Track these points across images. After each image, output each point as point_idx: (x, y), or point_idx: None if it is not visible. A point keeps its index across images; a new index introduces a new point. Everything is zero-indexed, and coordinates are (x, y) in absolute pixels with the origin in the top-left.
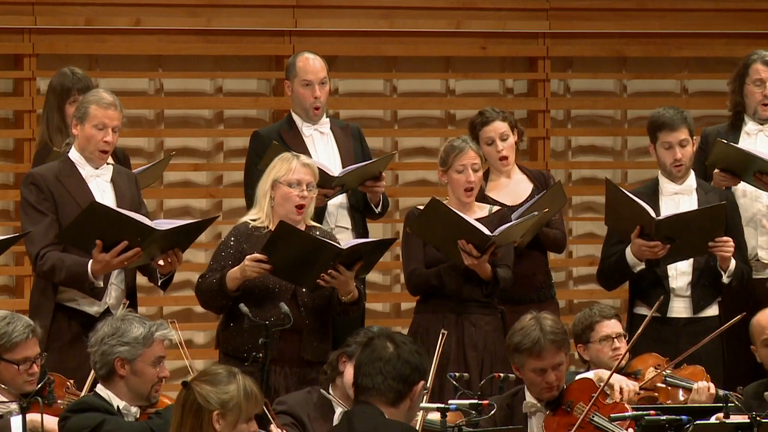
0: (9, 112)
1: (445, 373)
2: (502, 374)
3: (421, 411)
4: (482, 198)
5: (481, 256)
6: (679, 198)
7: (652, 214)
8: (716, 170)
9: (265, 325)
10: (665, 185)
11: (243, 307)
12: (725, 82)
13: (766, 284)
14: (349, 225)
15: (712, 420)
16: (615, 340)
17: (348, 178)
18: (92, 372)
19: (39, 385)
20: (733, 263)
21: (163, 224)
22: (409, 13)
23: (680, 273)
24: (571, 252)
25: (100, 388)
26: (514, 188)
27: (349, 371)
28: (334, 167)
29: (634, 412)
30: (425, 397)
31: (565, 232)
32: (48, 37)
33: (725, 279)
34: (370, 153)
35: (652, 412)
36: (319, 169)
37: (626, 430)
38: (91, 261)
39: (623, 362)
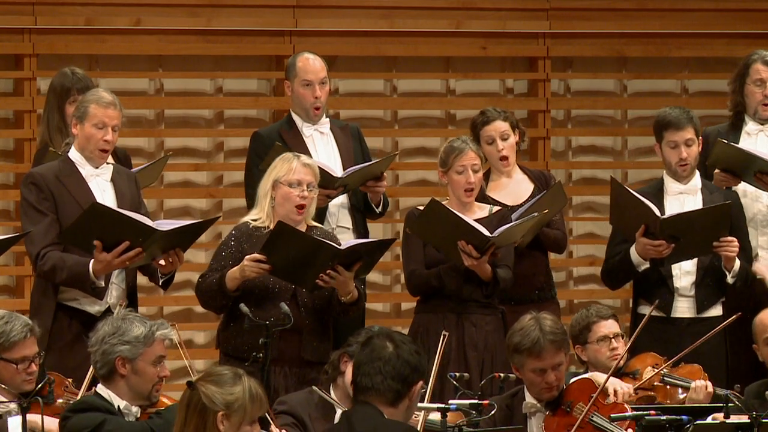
0: (9, 112)
1: (445, 373)
2: (502, 374)
3: (423, 411)
4: (483, 198)
5: (480, 257)
6: (684, 198)
7: (657, 213)
8: (716, 170)
9: (265, 325)
10: (670, 185)
11: (243, 307)
12: (725, 82)
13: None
14: (350, 225)
15: (709, 420)
16: (612, 340)
17: (350, 179)
18: (90, 370)
19: (39, 385)
20: (737, 263)
21: (165, 225)
22: (409, 13)
23: (684, 272)
24: (571, 252)
25: (100, 388)
26: (515, 188)
27: (350, 371)
28: (334, 167)
29: (634, 413)
30: (426, 398)
31: (565, 232)
32: (48, 37)
33: (729, 279)
34: (369, 153)
35: (653, 412)
36: (322, 170)
37: (626, 430)
38: (92, 261)
39: (622, 362)
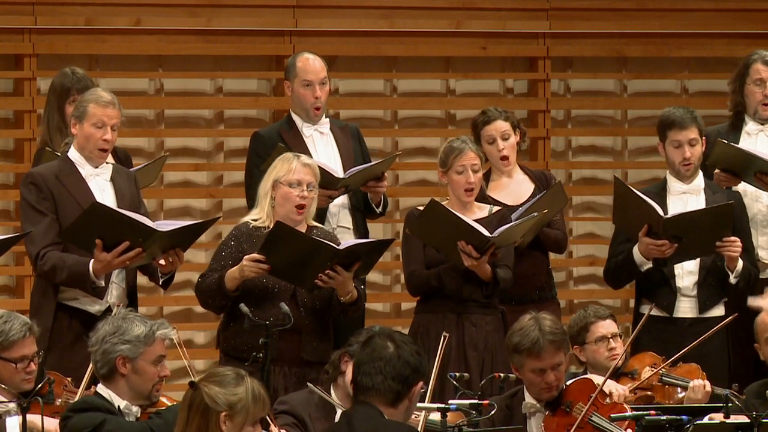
0: (9, 112)
1: (445, 373)
2: (502, 374)
3: (423, 411)
4: (483, 198)
5: (480, 257)
6: (687, 197)
7: (661, 212)
8: (717, 170)
9: (265, 325)
10: (673, 184)
11: (243, 307)
12: (725, 82)
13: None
14: (350, 225)
15: (705, 420)
16: (610, 340)
17: (352, 180)
18: (89, 369)
19: (39, 385)
20: (740, 263)
21: (165, 225)
22: (409, 13)
23: (686, 272)
24: (571, 252)
25: (101, 388)
26: (516, 188)
27: (351, 370)
28: (334, 167)
29: (634, 413)
30: (426, 398)
31: (566, 232)
32: (48, 37)
33: (732, 279)
34: (368, 153)
35: (653, 412)
36: (324, 170)
37: (625, 430)
38: (92, 261)
39: (621, 362)
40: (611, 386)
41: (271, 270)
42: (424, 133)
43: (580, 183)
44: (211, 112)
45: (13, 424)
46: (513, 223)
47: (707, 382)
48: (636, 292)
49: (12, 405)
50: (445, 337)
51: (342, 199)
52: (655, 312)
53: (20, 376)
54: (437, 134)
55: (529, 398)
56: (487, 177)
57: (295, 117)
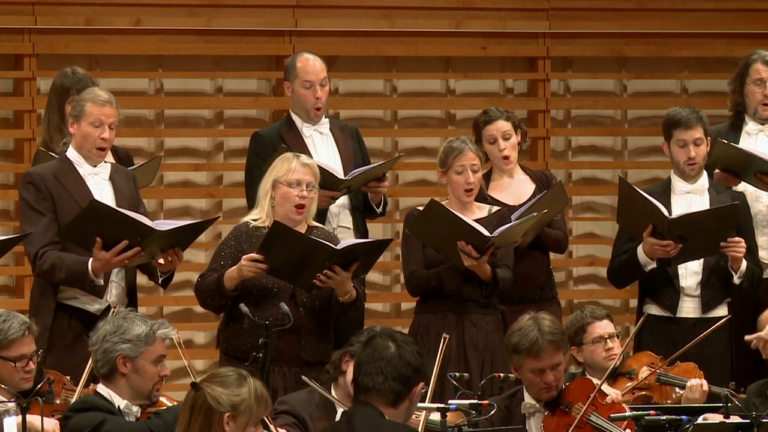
0: (9, 112)
1: (445, 373)
2: (502, 374)
3: (423, 411)
4: (483, 198)
5: (480, 257)
6: (691, 197)
7: (666, 213)
8: (717, 170)
9: (265, 325)
10: (677, 184)
11: (243, 307)
12: (725, 82)
13: None
14: (350, 225)
15: (700, 420)
16: (608, 340)
17: (354, 180)
18: (88, 367)
19: (39, 385)
20: (744, 264)
21: (164, 224)
22: (409, 13)
23: (690, 272)
24: (571, 252)
25: (101, 388)
26: (517, 188)
27: (351, 370)
28: (334, 167)
29: (634, 413)
30: (427, 398)
31: (566, 232)
32: (48, 37)
33: (736, 280)
34: (368, 153)
35: (652, 412)
36: (327, 171)
37: (624, 430)
38: (91, 259)
39: (618, 362)
40: (605, 390)
41: (270, 270)
42: (424, 133)
43: (579, 183)
44: (211, 112)
45: (10, 424)
46: (513, 223)
47: (704, 381)
48: (639, 291)
49: (11, 404)
50: (445, 338)
51: (342, 200)
52: (658, 312)
53: (19, 375)
54: (437, 134)
55: (528, 398)
56: (488, 177)
57: (294, 117)
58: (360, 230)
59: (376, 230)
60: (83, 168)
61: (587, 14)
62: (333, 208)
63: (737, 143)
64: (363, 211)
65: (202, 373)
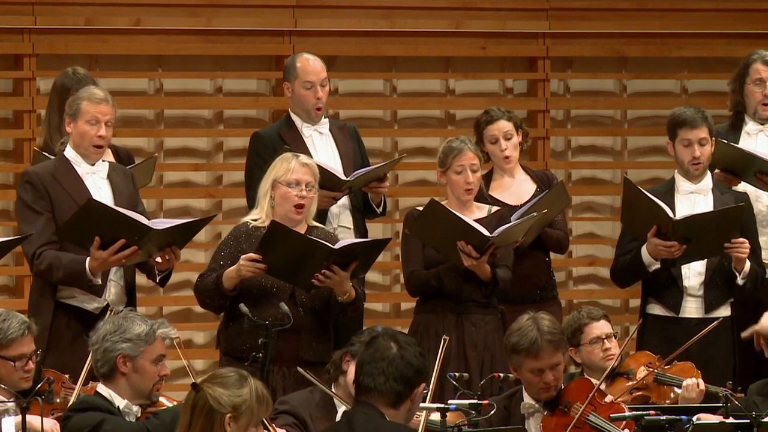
0: (9, 112)
1: (445, 373)
2: (502, 374)
3: (424, 411)
4: (482, 198)
5: (480, 257)
6: (695, 197)
7: (670, 214)
8: (717, 170)
9: (264, 325)
10: (681, 184)
11: (243, 307)
12: (725, 82)
13: None
14: (351, 225)
15: (694, 420)
16: (605, 341)
17: (356, 181)
18: (86, 365)
19: (39, 385)
20: (747, 265)
21: (161, 223)
22: (409, 13)
23: (694, 273)
24: (571, 252)
25: (101, 387)
26: (518, 188)
27: (352, 370)
28: (334, 167)
29: (634, 413)
30: (427, 399)
31: (567, 232)
32: (48, 37)
33: (740, 280)
34: (366, 153)
35: (652, 412)
36: (329, 172)
37: (623, 430)
38: (88, 259)
39: (617, 362)
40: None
41: (268, 269)
42: (424, 133)
43: (579, 183)
44: (211, 112)
45: (8, 424)
46: (512, 222)
47: (701, 381)
48: (642, 291)
49: (11, 404)
50: (445, 340)
51: (343, 200)
52: (661, 312)
53: (18, 375)
54: (437, 134)
55: (527, 398)
56: (489, 177)
57: (294, 117)
58: (360, 230)
59: (376, 230)
60: (81, 167)
61: (587, 14)
62: (333, 208)
63: (737, 143)
64: (363, 211)
65: (201, 373)
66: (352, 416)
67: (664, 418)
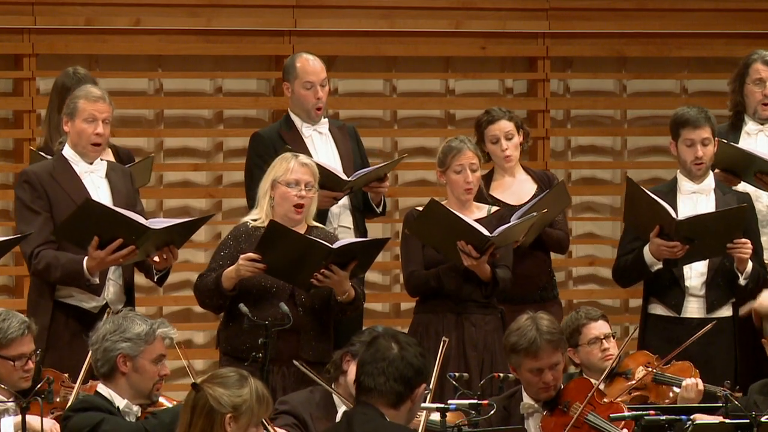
0: (9, 112)
1: (445, 373)
2: (501, 374)
3: (424, 411)
4: (484, 198)
5: (480, 257)
6: (697, 197)
7: (673, 214)
8: (717, 170)
9: (264, 325)
10: (684, 184)
11: (243, 307)
12: (725, 82)
13: None
14: (351, 225)
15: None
16: (603, 341)
17: (357, 181)
18: (85, 364)
19: (39, 385)
20: (750, 265)
21: (158, 222)
22: (409, 13)
23: (696, 273)
24: (571, 252)
25: (101, 387)
26: (518, 188)
27: (352, 370)
28: (334, 167)
29: (634, 413)
30: (428, 399)
31: (567, 232)
32: (48, 37)
33: (742, 281)
34: (366, 153)
35: (652, 412)
36: (330, 172)
37: (622, 429)
38: (86, 258)
39: (615, 362)
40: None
41: (267, 269)
42: (424, 133)
43: (579, 183)
44: (211, 112)
45: (7, 424)
46: (512, 222)
47: (699, 381)
48: (644, 291)
49: (11, 404)
50: (444, 341)
51: (343, 200)
52: (663, 312)
53: (18, 374)
54: (437, 134)
55: (527, 398)
56: (489, 177)
57: (294, 117)
58: (360, 230)
59: (376, 230)
60: (79, 166)
61: (587, 14)
62: (333, 208)
63: (737, 143)
64: (363, 211)
65: (201, 373)
66: (351, 417)
67: (663, 418)
